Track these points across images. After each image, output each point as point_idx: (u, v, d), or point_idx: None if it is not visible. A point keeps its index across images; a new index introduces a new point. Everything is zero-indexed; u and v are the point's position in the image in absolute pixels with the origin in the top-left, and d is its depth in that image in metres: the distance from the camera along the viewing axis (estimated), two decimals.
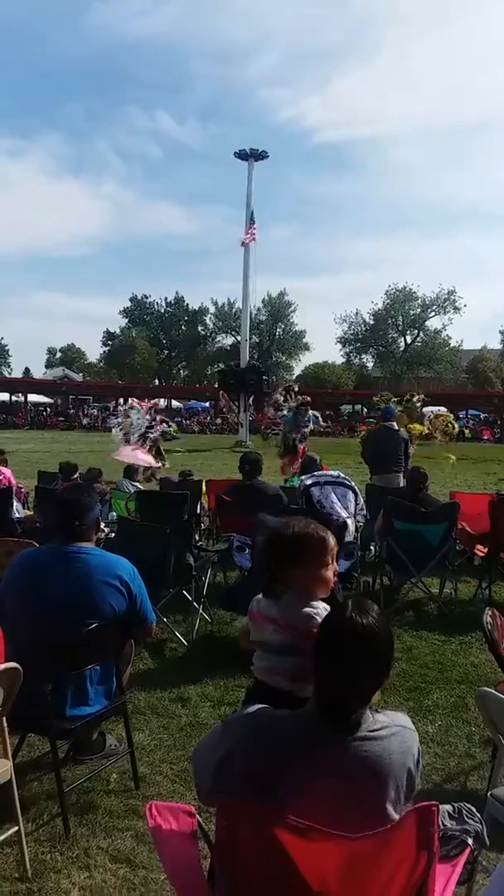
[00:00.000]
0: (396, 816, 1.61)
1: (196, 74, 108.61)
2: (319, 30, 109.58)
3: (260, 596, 2.47)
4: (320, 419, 15.23)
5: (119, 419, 13.43)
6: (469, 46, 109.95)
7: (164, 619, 4.90)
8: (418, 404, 14.16)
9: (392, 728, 1.66)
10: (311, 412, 14.26)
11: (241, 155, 28.83)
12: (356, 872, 1.51)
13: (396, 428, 8.44)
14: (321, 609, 2.41)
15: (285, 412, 14.42)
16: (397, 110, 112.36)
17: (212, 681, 4.20)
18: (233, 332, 61.65)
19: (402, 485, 7.56)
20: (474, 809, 2.02)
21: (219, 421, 43.35)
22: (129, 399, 14.18)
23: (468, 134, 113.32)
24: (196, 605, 5.14)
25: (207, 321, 67.25)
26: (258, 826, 1.50)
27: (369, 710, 1.68)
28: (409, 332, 62.47)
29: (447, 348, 60.91)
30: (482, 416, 47.99)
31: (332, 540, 2.40)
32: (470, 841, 1.90)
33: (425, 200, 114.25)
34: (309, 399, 15.03)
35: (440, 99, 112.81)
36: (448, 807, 2.00)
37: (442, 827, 1.88)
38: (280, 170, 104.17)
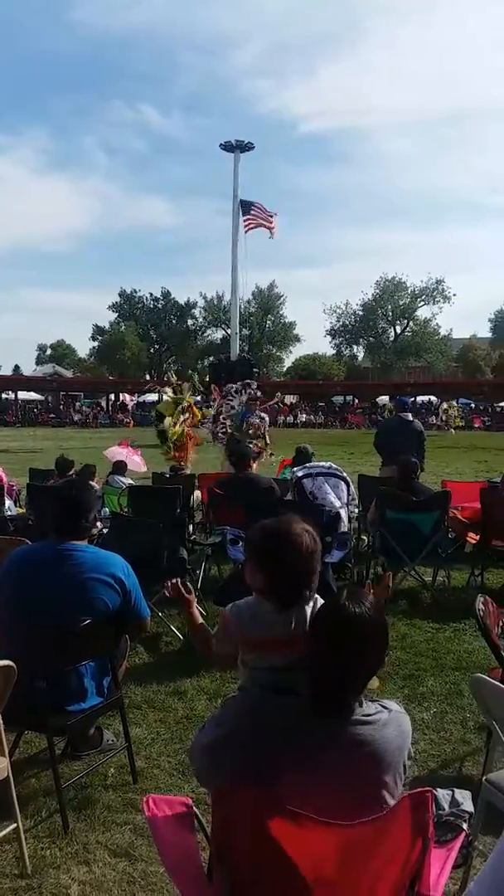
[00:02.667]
0: (392, 801, 1.63)
1: (180, 66, 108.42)
2: (304, 19, 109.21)
3: (243, 611, 2.34)
4: (266, 422, 13.22)
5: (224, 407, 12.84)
6: (454, 35, 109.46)
7: (160, 614, 4.90)
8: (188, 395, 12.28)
9: (386, 713, 1.68)
10: (258, 413, 13.00)
11: (227, 147, 28.54)
12: (352, 859, 1.52)
13: (411, 419, 8.47)
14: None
15: (235, 406, 12.99)
16: (383, 100, 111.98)
17: (208, 673, 4.21)
18: (223, 326, 61.48)
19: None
20: (468, 794, 2.04)
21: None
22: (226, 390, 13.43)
23: (454, 124, 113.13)
24: None
25: (196, 314, 67.17)
26: (254, 815, 1.51)
27: (363, 697, 1.69)
28: (398, 322, 62.53)
29: (437, 337, 61.00)
30: (473, 404, 48.10)
31: None
32: (465, 825, 1.92)
33: (413, 190, 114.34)
34: (258, 395, 13.60)
35: (426, 88, 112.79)
36: (443, 792, 2.01)
37: (436, 812, 1.90)
38: (267, 161, 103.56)
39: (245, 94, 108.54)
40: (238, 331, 31.94)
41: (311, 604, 2.31)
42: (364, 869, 1.54)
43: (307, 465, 6.91)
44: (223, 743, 1.71)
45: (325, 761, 1.61)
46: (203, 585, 5.45)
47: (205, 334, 67.62)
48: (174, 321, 66.77)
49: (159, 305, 67.18)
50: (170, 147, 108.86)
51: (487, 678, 2.42)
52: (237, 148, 28.41)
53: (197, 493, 7.82)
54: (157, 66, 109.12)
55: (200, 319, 67.12)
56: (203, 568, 5.62)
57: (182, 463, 11.15)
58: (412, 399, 39.33)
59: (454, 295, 61.10)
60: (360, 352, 66.78)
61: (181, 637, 4.85)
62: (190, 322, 67.28)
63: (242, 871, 1.60)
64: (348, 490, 6.57)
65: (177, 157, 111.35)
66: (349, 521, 6.44)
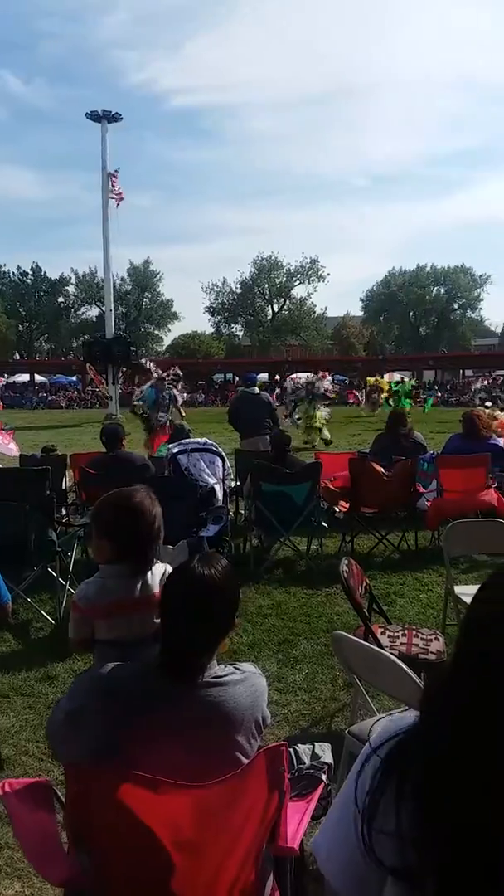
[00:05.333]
0: (246, 761, 1.65)
1: (39, 32, 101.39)
2: None
3: (89, 587, 2.38)
4: (178, 399, 13.53)
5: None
6: (321, 12, 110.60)
7: (28, 599, 4.73)
8: None
9: (238, 673, 1.69)
10: (171, 390, 13.09)
11: (94, 116, 27.50)
12: (210, 819, 1.53)
13: (258, 392, 8.64)
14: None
15: (145, 388, 13.24)
16: (250, 77, 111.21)
17: (81, 657, 4.10)
18: (97, 303, 59.68)
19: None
20: (328, 747, 2.12)
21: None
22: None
23: (322, 102, 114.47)
24: (62, 582, 4.99)
25: (69, 291, 64.74)
26: (108, 787, 1.48)
27: (216, 660, 1.70)
28: (276, 300, 63.51)
29: (312, 316, 62.61)
30: (347, 380, 49.87)
31: None
32: (324, 777, 1.99)
33: (287, 170, 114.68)
34: (166, 375, 13.64)
35: (295, 67, 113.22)
36: (303, 747, 2.08)
37: (296, 766, 1.96)
38: (138, 135, 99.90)
39: (112, 65, 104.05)
40: (113, 308, 31.15)
41: (162, 569, 2.36)
42: (222, 828, 1.56)
43: (182, 441, 6.89)
44: (75, 716, 1.67)
45: (176, 724, 1.61)
46: (76, 568, 5.30)
47: (79, 312, 65.43)
48: (44, 297, 63.84)
49: (28, 281, 63.94)
50: (35, 116, 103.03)
51: (345, 634, 2.52)
52: (104, 118, 27.44)
53: (69, 473, 7.57)
54: (13, 31, 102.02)
55: (73, 297, 64.81)
56: (75, 550, 5.46)
57: None
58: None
59: (328, 274, 63.00)
60: (239, 330, 67.30)
61: (53, 622, 4.70)
62: (62, 299, 64.72)
63: (102, 844, 1.57)
64: (223, 465, 6.62)
65: (43, 127, 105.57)
66: (225, 496, 6.50)
